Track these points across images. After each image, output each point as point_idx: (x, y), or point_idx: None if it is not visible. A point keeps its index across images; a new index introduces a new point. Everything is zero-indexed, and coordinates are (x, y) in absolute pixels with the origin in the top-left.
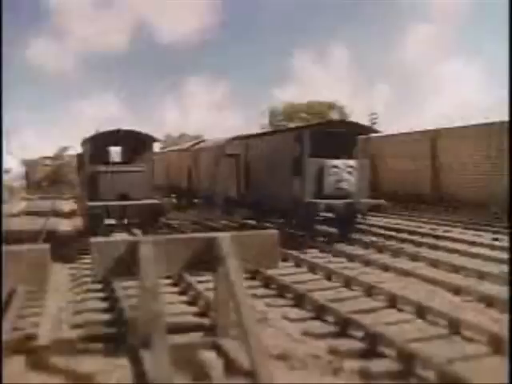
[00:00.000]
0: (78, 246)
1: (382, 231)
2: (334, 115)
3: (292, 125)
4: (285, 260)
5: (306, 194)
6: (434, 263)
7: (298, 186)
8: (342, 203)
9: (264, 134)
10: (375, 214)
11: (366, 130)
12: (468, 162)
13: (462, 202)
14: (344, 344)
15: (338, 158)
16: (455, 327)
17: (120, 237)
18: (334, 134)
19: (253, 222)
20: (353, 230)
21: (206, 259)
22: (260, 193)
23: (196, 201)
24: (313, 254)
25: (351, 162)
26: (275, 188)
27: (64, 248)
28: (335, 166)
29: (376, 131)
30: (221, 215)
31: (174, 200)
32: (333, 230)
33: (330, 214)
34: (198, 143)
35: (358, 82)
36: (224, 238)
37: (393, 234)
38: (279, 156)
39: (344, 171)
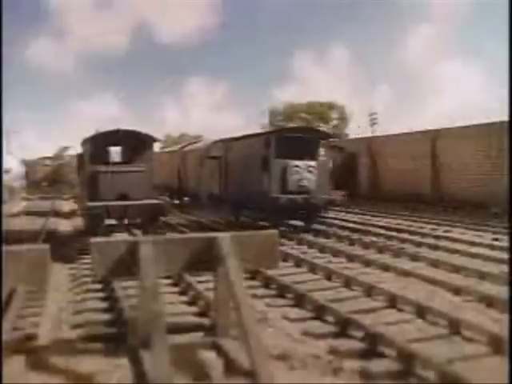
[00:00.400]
0: (78, 246)
1: (383, 231)
2: (334, 115)
3: (292, 124)
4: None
5: (272, 190)
6: (435, 263)
7: (266, 183)
8: (302, 198)
9: (240, 137)
10: (376, 214)
11: (326, 135)
12: (468, 161)
13: (462, 202)
14: (343, 344)
15: (301, 159)
16: (455, 327)
17: (120, 237)
18: (297, 139)
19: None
20: (314, 221)
21: (206, 259)
22: (237, 190)
23: (186, 199)
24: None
25: (312, 163)
26: (249, 185)
27: (64, 248)
28: (297, 166)
29: (336, 137)
30: (206, 211)
31: (167, 198)
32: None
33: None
34: (186, 145)
35: (358, 82)
36: (224, 237)
37: (393, 234)
38: (252, 157)
39: (305, 171)
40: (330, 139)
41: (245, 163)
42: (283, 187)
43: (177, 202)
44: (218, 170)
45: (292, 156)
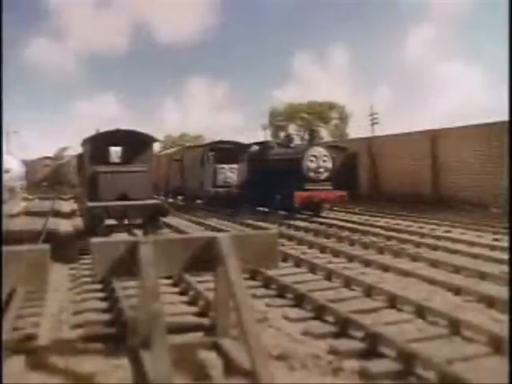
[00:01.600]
0: (78, 247)
1: (382, 231)
2: (334, 115)
3: (292, 125)
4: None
5: (205, 184)
6: (434, 263)
7: (203, 180)
8: (225, 191)
9: (190, 146)
10: (376, 214)
11: (247, 146)
12: (468, 162)
13: (462, 202)
14: (343, 344)
15: (226, 163)
16: (455, 327)
17: (120, 237)
18: (225, 149)
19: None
20: (240, 208)
21: (206, 259)
22: (189, 184)
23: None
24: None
25: (234, 166)
26: (194, 181)
27: (64, 248)
28: (223, 168)
29: (248, 146)
30: (173, 198)
31: None
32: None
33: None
34: (161, 151)
35: (358, 82)
36: (224, 237)
37: (393, 234)
38: (195, 161)
39: (228, 171)
40: (248, 149)
41: (192, 165)
42: (213, 183)
43: None
44: (179, 169)
45: (220, 161)
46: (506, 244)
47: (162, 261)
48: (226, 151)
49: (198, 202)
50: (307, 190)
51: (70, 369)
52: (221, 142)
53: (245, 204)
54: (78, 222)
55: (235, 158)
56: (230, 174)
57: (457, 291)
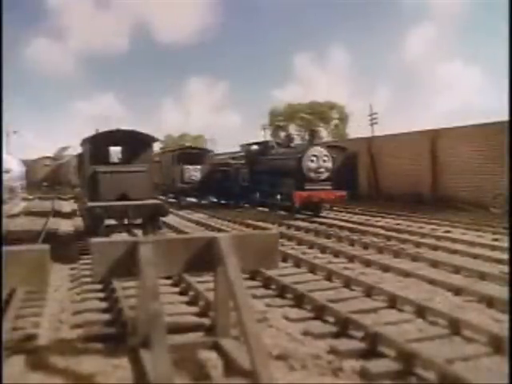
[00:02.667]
0: (78, 247)
1: (382, 231)
2: (335, 115)
3: (292, 125)
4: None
5: (175, 181)
6: (435, 264)
7: (174, 178)
8: (189, 186)
9: (165, 151)
10: (375, 214)
11: (208, 151)
12: (468, 162)
13: (461, 202)
14: (343, 344)
15: (191, 164)
16: (455, 327)
17: (120, 237)
18: (190, 153)
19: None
20: (203, 198)
21: (206, 259)
22: (166, 181)
23: None
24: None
25: (198, 167)
26: (168, 179)
27: (64, 248)
28: (188, 168)
29: (209, 151)
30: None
31: None
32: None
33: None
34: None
35: (358, 82)
36: (224, 238)
37: (393, 234)
38: (168, 162)
39: (192, 171)
40: (209, 153)
41: (166, 166)
42: (181, 180)
43: None
44: (160, 169)
45: (187, 163)
46: (505, 244)
47: (162, 261)
48: (192, 155)
49: (170, 195)
50: (307, 189)
51: (69, 369)
52: (188, 147)
53: (207, 195)
54: (78, 222)
55: (199, 160)
56: (194, 172)
57: (457, 291)
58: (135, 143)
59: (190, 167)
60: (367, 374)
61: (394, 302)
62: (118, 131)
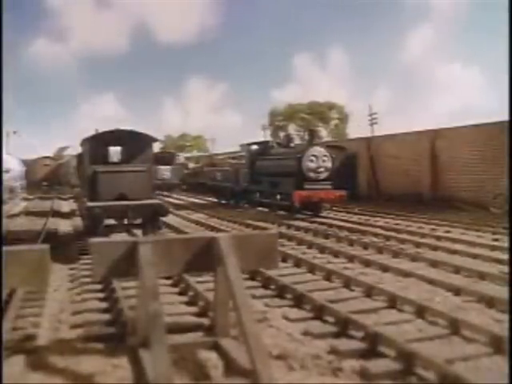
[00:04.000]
0: (77, 247)
1: (382, 231)
2: (334, 115)
3: (292, 125)
4: None
5: (171, 179)
6: (434, 264)
7: (165, 176)
8: (163, 182)
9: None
10: (375, 214)
11: (174, 155)
12: (467, 162)
13: (461, 202)
14: (343, 344)
15: (164, 165)
16: (455, 327)
17: (120, 237)
18: (163, 156)
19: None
20: (173, 191)
21: (206, 259)
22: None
23: None
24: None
25: (168, 167)
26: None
27: (64, 248)
28: (160, 168)
29: (177, 154)
30: None
31: None
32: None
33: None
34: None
35: (357, 82)
36: (224, 238)
37: (393, 234)
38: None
39: (165, 170)
40: (177, 156)
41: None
42: (155, 177)
43: None
44: None
45: (161, 164)
46: (505, 244)
47: (162, 261)
48: (164, 157)
49: None
50: (307, 189)
51: (69, 369)
52: (160, 152)
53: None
54: (78, 221)
55: (169, 161)
56: (166, 172)
57: (457, 291)
58: (135, 143)
59: (162, 167)
60: (367, 373)
61: (393, 302)
62: (118, 131)
